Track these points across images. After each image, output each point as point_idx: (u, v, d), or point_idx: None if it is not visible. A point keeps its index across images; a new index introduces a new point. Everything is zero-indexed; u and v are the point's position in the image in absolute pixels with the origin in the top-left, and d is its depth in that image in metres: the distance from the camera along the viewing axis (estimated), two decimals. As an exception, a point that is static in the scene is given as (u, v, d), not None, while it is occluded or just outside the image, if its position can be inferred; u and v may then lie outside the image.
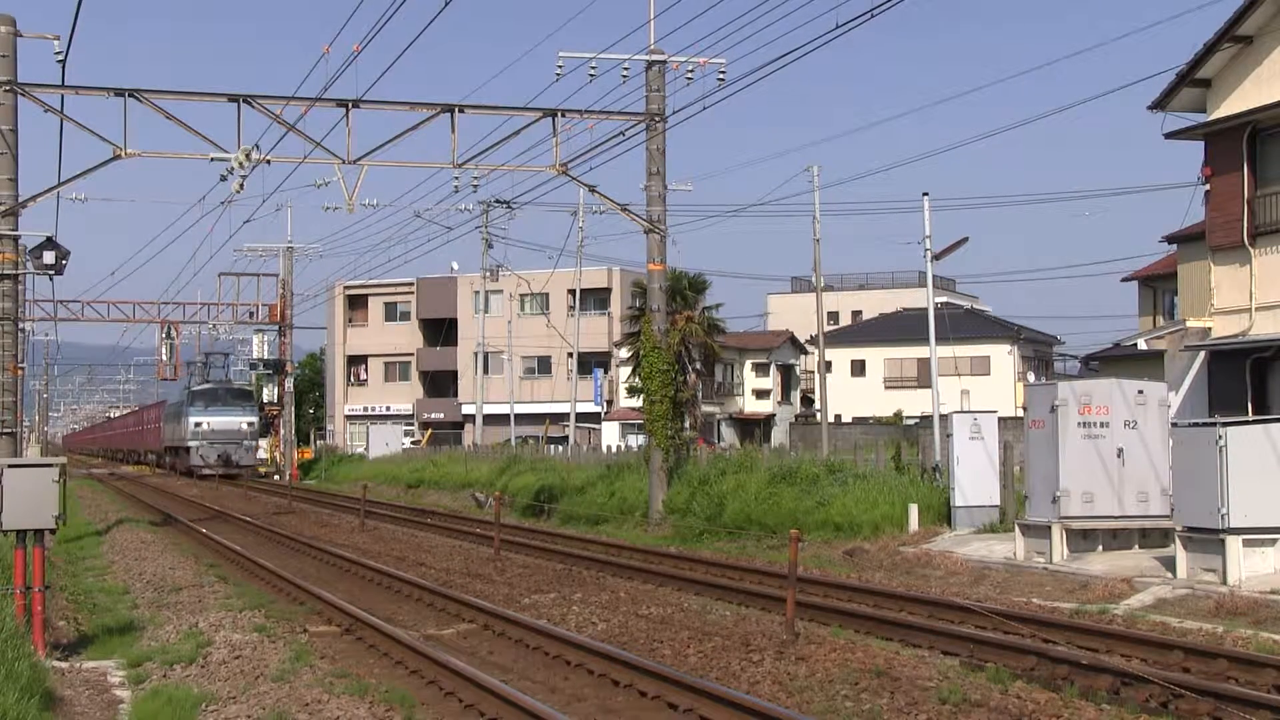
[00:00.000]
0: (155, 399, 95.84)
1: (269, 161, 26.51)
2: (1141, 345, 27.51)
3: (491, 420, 61.56)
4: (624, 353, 53.42)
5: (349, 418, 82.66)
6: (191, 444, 61.22)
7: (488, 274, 55.52)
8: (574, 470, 36.54)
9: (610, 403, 68.59)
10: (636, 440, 50.14)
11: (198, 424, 61.25)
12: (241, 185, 26.73)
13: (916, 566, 19.03)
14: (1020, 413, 34.84)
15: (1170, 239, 31.14)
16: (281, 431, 63.97)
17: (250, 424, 62.62)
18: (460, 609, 15.40)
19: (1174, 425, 18.20)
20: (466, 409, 70.97)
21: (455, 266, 72.16)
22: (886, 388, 70.71)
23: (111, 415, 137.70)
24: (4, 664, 9.72)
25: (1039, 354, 72.30)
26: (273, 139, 31.65)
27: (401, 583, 18.12)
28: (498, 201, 46.01)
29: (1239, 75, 23.97)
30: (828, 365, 51.57)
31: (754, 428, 68.76)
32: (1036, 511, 18.95)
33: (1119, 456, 18.61)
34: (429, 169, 28.93)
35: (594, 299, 71.74)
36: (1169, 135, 25.18)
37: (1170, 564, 16.64)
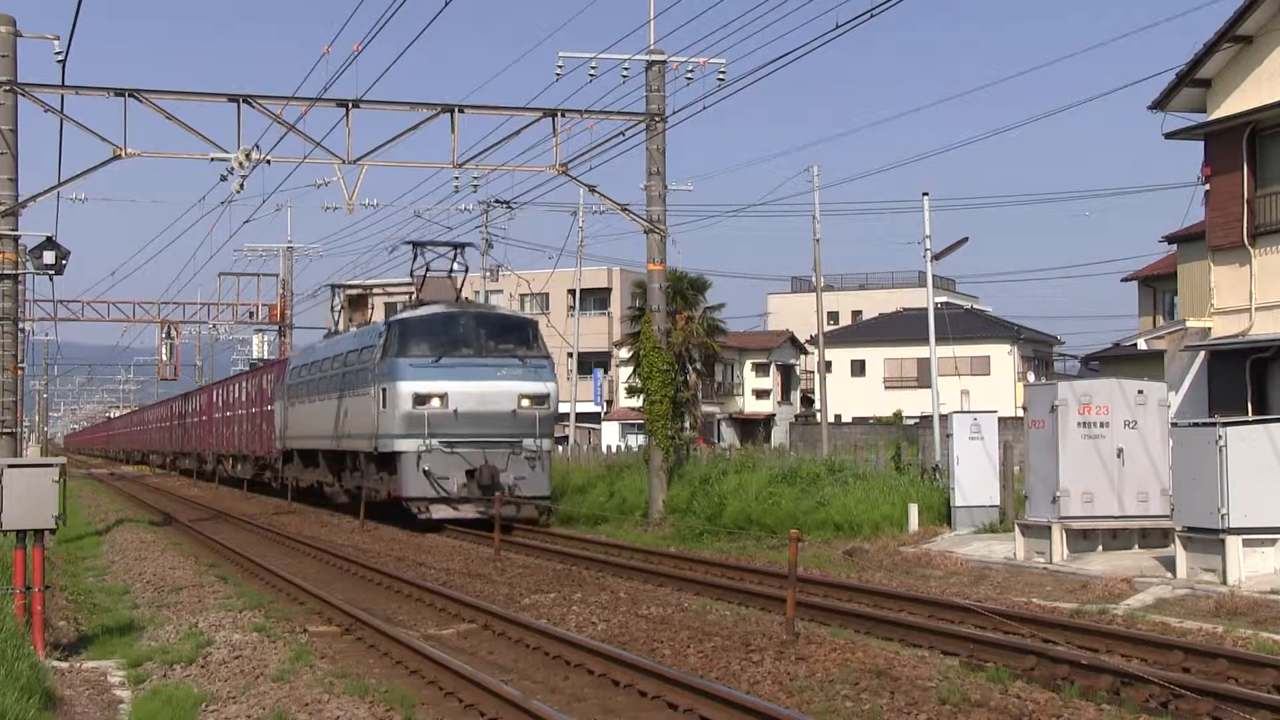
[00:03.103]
0: (155, 399, 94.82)
1: (269, 161, 26.52)
2: (1141, 345, 27.51)
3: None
4: (624, 353, 53.45)
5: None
6: (404, 447, 27.02)
7: (488, 274, 55.50)
8: (574, 470, 36.54)
9: (610, 403, 68.59)
10: (636, 440, 50.14)
11: (421, 397, 27.21)
12: (241, 185, 26.77)
13: (916, 566, 19.03)
14: (1020, 413, 34.83)
15: (1170, 239, 31.14)
16: None
17: (539, 397, 27.89)
18: (460, 609, 15.40)
19: (1174, 425, 18.20)
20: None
21: (455, 267, 72.09)
22: (886, 388, 70.70)
23: (112, 415, 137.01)
24: (4, 664, 9.73)
25: (1039, 354, 72.32)
26: (273, 139, 31.62)
27: (401, 582, 18.12)
28: (498, 201, 45.97)
29: (1239, 75, 23.97)
30: (828, 365, 51.58)
31: (754, 428, 68.79)
32: (1036, 511, 18.95)
33: (1119, 456, 18.61)
34: (429, 169, 28.98)
35: (594, 299, 71.73)
36: (1169, 135, 25.19)
37: (1170, 564, 16.64)
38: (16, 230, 26.07)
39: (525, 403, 27.25)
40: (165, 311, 61.58)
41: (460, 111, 26.62)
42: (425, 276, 31.25)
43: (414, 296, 30.93)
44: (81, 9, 21.57)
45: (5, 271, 25.91)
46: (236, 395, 49.10)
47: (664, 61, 27.42)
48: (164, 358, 64.75)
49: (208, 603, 16.28)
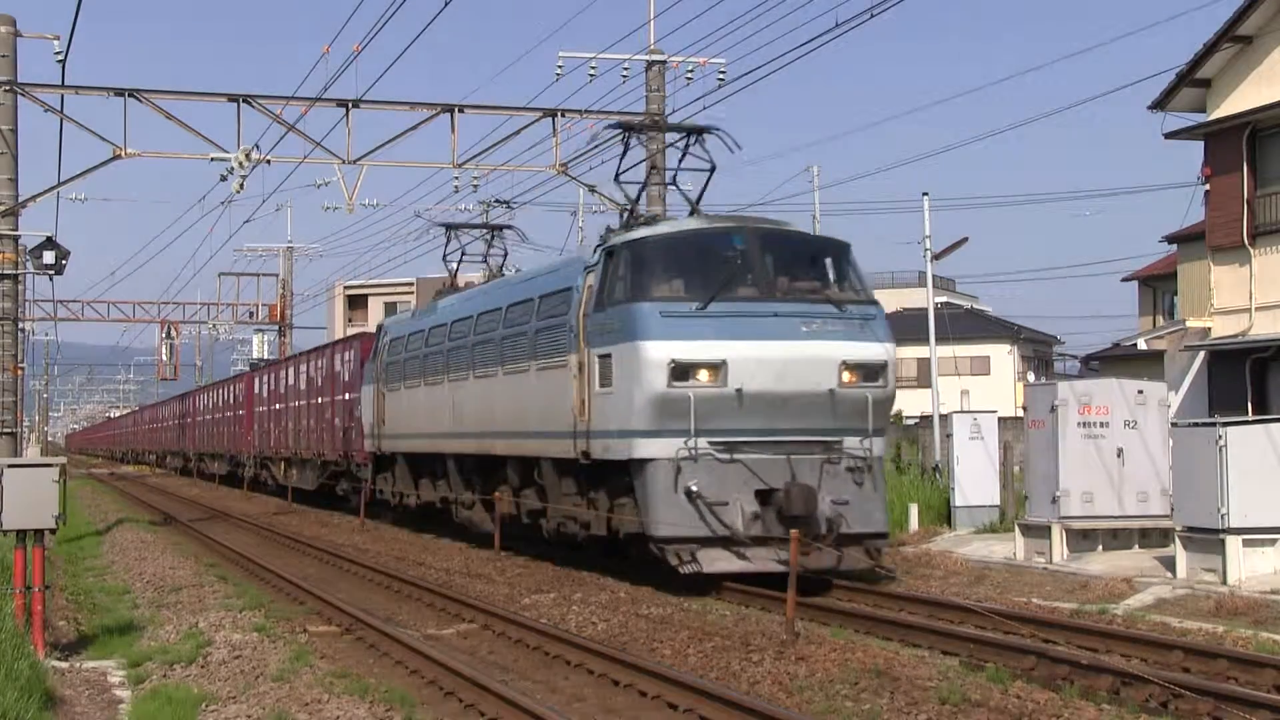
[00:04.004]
0: (155, 399, 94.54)
1: (269, 161, 26.58)
2: (1141, 345, 27.53)
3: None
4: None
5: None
6: (651, 451, 16.05)
7: (488, 274, 55.49)
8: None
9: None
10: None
11: (681, 369, 15.98)
12: (241, 185, 26.82)
13: (916, 566, 19.02)
14: (1020, 413, 34.86)
15: (1170, 239, 31.17)
16: None
17: (873, 368, 16.80)
18: (460, 609, 15.40)
19: (1174, 425, 18.20)
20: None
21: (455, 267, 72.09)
22: (886, 387, 70.59)
23: (112, 414, 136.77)
24: (4, 664, 9.72)
25: (1039, 354, 72.28)
26: (273, 139, 31.64)
27: (401, 582, 18.11)
28: (498, 201, 45.94)
29: (1239, 75, 23.98)
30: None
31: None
32: (1036, 511, 18.96)
33: (1119, 456, 18.61)
34: (429, 169, 29.02)
35: (594, 299, 71.63)
36: (1169, 135, 25.20)
37: (1170, 564, 16.64)
38: (16, 230, 26.08)
39: (849, 376, 16.45)
40: (165, 311, 61.71)
41: (460, 111, 26.67)
42: (459, 265, 27.91)
43: (447, 284, 27.49)
44: (81, 9, 21.60)
45: (5, 271, 25.91)
46: (292, 382, 38.66)
47: (664, 61, 27.42)
48: (164, 358, 64.80)
49: (208, 603, 16.28)
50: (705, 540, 15.75)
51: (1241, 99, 23.76)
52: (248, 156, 25.72)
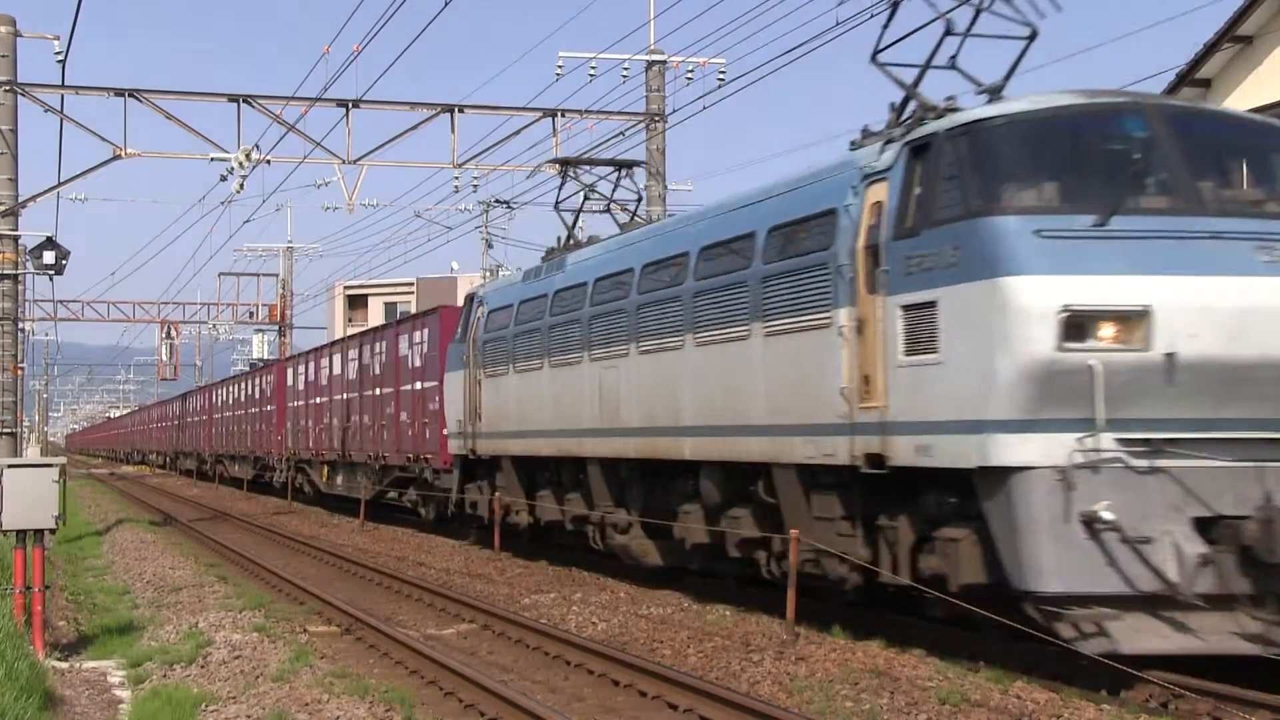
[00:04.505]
0: (155, 399, 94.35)
1: (269, 161, 26.61)
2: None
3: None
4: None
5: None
6: (1023, 455, 10.03)
7: (488, 274, 55.52)
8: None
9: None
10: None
11: (1078, 320, 9.90)
12: (242, 185, 26.86)
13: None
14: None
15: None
16: None
17: None
18: (460, 609, 15.41)
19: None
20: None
21: (455, 266, 72.15)
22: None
23: (112, 415, 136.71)
24: (3, 664, 9.72)
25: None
26: (273, 139, 31.69)
27: (401, 582, 18.12)
28: (498, 201, 46.00)
29: (1239, 75, 23.99)
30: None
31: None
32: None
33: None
34: (429, 169, 29.02)
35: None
36: (1169, 135, 25.16)
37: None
38: (16, 230, 26.09)
39: None
40: (165, 311, 61.72)
41: (460, 111, 26.70)
42: (580, 211, 21.53)
43: (563, 242, 20.30)
44: (81, 9, 21.61)
45: (5, 271, 25.92)
46: (338, 371, 33.36)
47: (664, 61, 27.43)
48: (164, 358, 64.83)
49: (208, 603, 16.28)
50: (1119, 600, 9.90)
51: (1241, 99, 23.75)
52: (248, 156, 25.74)
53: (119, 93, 25.17)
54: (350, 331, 57.21)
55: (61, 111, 25.40)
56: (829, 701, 10.12)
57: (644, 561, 16.56)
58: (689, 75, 26.88)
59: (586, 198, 20.70)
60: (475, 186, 31.55)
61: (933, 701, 9.96)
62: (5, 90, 25.08)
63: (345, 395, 32.34)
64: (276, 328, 64.04)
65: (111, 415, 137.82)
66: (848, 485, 12.15)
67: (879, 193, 11.59)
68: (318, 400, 35.37)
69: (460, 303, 24.56)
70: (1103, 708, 9.76)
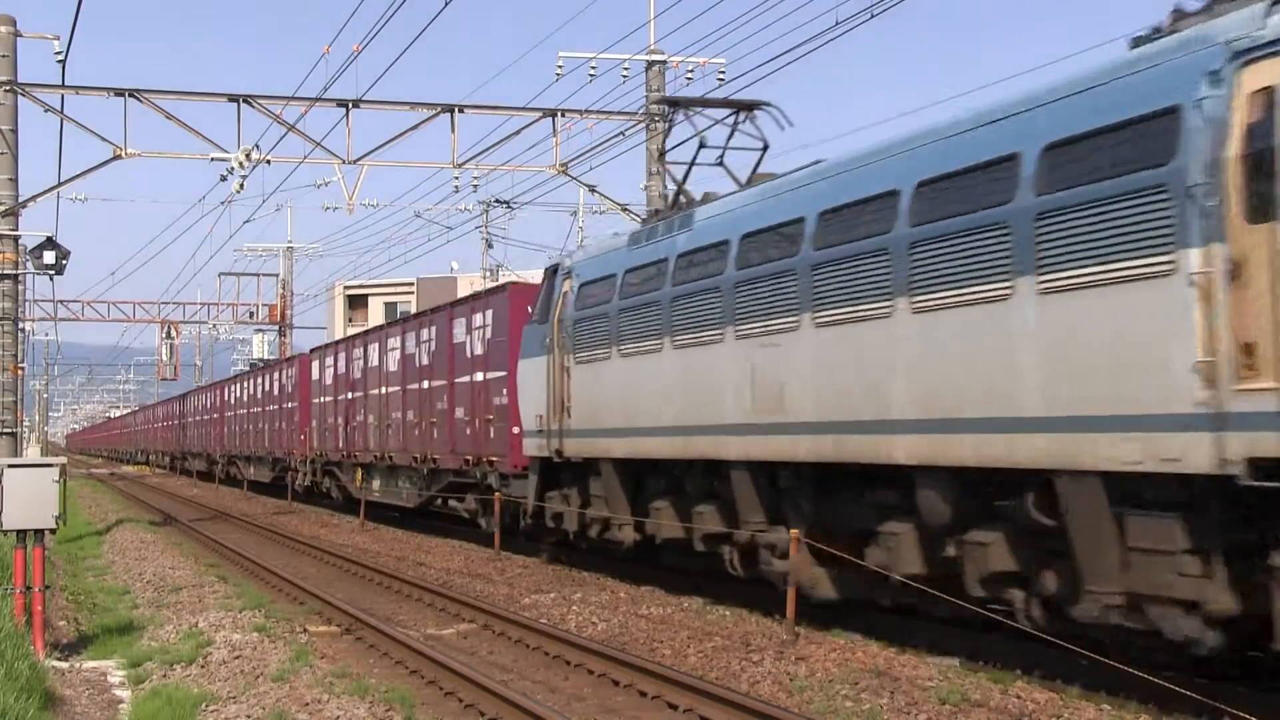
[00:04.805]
0: (155, 399, 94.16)
1: (269, 161, 26.62)
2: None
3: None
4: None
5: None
6: None
7: (488, 274, 55.52)
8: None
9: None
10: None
11: None
12: (242, 185, 26.89)
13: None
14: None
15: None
16: None
17: None
18: (460, 609, 15.41)
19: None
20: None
21: (455, 266, 72.17)
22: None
23: (112, 414, 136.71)
24: (4, 664, 9.73)
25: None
26: (273, 139, 31.72)
27: (401, 582, 18.12)
28: (498, 201, 46.04)
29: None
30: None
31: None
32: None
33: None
34: (429, 169, 29.03)
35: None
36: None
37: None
38: (16, 230, 26.10)
39: None
40: (165, 311, 61.73)
41: (460, 111, 26.71)
42: (694, 163, 16.83)
43: (672, 199, 17.24)
44: (81, 9, 21.62)
45: (5, 271, 25.94)
46: (375, 363, 29.93)
47: (664, 61, 27.45)
48: (164, 358, 64.87)
49: (208, 603, 16.28)
50: None
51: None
52: (248, 156, 25.76)
53: (119, 93, 25.19)
54: (350, 331, 55.74)
55: (61, 111, 25.43)
56: (829, 701, 10.12)
57: (812, 594, 12.99)
58: (689, 75, 26.92)
59: (702, 145, 16.64)
60: (475, 186, 31.62)
61: (933, 701, 9.96)
62: (5, 90, 25.09)
63: (384, 389, 29.05)
64: (276, 328, 64.07)
65: (112, 415, 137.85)
66: (1198, 503, 8.70)
67: (1268, 74, 8.26)
68: (349, 395, 31.96)
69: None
70: (1102, 708, 9.76)
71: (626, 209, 29.43)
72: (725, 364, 13.62)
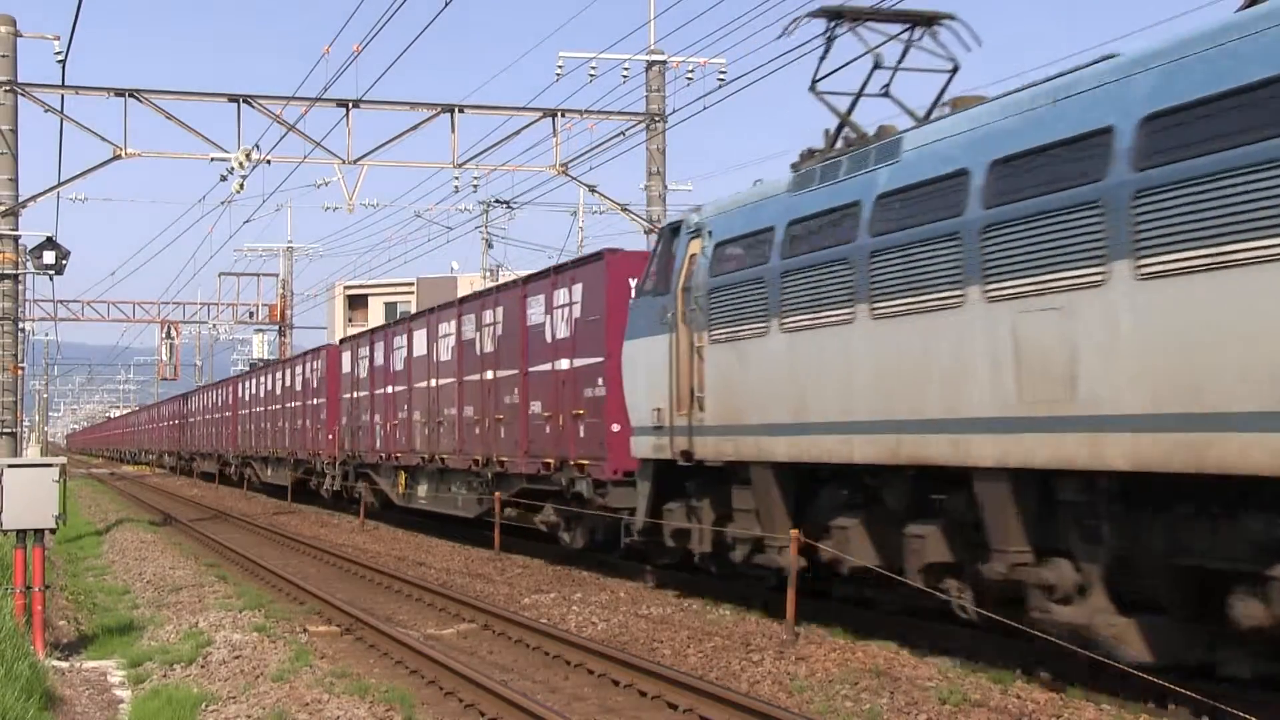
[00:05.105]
0: (155, 399, 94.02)
1: (269, 161, 26.63)
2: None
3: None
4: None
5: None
6: None
7: (488, 274, 55.52)
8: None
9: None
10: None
11: None
12: (242, 185, 26.90)
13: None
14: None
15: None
16: None
17: None
18: (460, 609, 15.41)
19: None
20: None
21: (455, 266, 72.16)
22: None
23: (112, 414, 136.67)
24: (4, 664, 9.72)
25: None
26: (273, 139, 31.74)
27: (402, 582, 18.12)
28: (498, 201, 46.05)
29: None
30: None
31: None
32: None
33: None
34: (429, 169, 29.04)
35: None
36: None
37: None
38: (16, 230, 26.11)
39: None
40: (165, 311, 61.72)
41: (460, 111, 26.71)
42: (862, 93, 13.16)
43: (833, 135, 13.07)
44: (81, 9, 21.62)
45: (5, 271, 25.94)
46: (421, 352, 26.39)
47: (664, 61, 27.44)
48: (164, 358, 64.88)
49: (208, 603, 16.28)
50: None
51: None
52: (248, 156, 25.77)
53: (119, 93, 25.19)
54: (350, 331, 52.09)
55: (61, 111, 25.43)
56: (829, 701, 10.12)
57: (1116, 652, 9.45)
58: (689, 75, 26.92)
59: (877, 65, 13.09)
60: (475, 186, 31.64)
61: (933, 701, 9.95)
62: (5, 90, 25.09)
63: (433, 381, 25.30)
64: (276, 328, 64.07)
65: (112, 415, 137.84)
66: None
67: None
68: (389, 390, 28.25)
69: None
70: (1103, 708, 9.76)
71: (626, 209, 29.43)
72: (966, 339, 10.26)
